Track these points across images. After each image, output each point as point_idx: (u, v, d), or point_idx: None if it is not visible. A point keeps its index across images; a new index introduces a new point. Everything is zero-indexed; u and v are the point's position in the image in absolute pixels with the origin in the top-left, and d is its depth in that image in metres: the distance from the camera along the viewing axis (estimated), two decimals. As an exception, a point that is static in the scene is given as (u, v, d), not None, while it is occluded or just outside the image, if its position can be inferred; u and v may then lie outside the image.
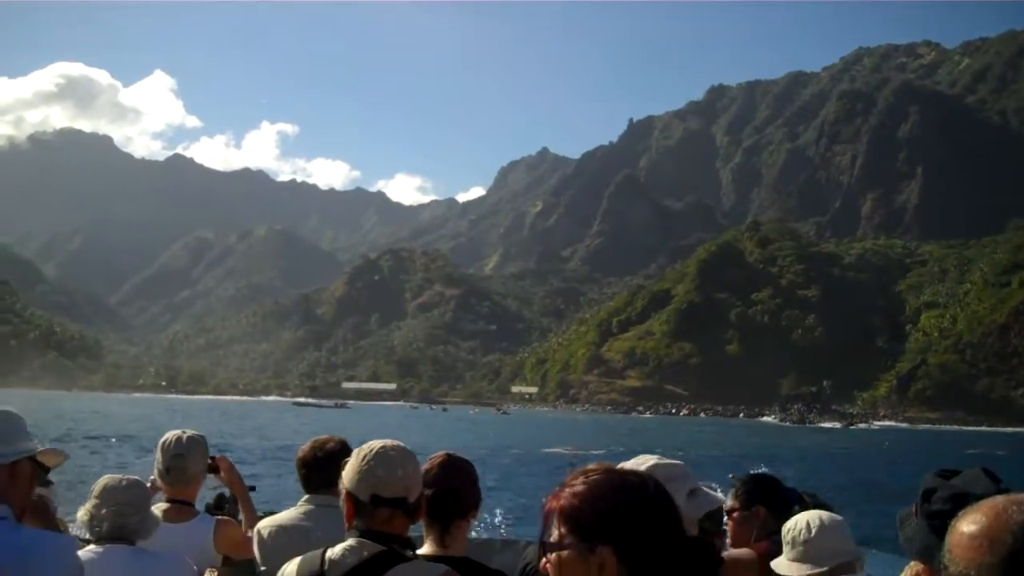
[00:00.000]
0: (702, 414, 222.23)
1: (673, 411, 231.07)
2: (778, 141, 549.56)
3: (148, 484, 4.76)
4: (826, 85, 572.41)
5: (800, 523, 4.02)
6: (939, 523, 2.28)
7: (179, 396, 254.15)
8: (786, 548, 3.96)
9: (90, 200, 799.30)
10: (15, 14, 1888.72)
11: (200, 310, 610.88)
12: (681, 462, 2.79)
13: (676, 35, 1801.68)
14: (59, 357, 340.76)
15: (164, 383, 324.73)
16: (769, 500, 4.67)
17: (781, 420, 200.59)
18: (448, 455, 3.74)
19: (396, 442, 3.23)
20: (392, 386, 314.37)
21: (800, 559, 3.91)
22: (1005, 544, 1.54)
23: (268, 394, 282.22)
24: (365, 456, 3.15)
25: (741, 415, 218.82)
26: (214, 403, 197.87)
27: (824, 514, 4.03)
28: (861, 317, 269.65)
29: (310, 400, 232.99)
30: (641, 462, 2.74)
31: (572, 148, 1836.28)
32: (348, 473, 3.14)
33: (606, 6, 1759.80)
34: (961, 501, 2.29)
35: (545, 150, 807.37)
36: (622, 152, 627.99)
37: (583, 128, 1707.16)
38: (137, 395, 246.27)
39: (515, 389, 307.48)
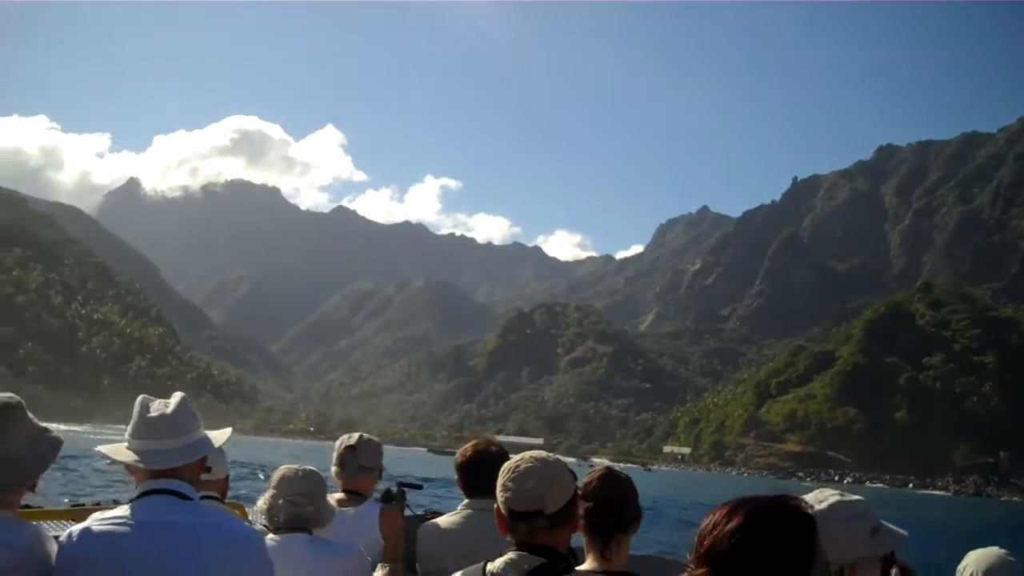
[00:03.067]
0: (867, 483, 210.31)
1: (836, 478, 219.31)
2: (951, 203, 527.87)
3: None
4: (1002, 147, 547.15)
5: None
6: None
7: (324, 442, 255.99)
8: None
9: (257, 249, 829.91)
10: (192, 66, 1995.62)
11: (357, 359, 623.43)
12: (862, 498, 2.65)
13: (843, 92, 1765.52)
14: (214, 400, 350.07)
15: (312, 428, 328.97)
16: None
17: (955, 493, 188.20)
18: (608, 468, 3.66)
19: (540, 453, 3.22)
20: (539, 440, 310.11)
21: None
22: None
23: (415, 444, 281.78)
24: (504, 471, 3.17)
25: (911, 485, 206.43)
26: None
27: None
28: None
29: (445, 449, 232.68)
30: (821, 498, 2.61)
31: (733, 207, 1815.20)
32: (497, 488, 3.18)
33: (770, 62, 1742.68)
34: None
35: (705, 208, 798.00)
36: (784, 211, 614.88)
37: (744, 186, 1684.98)
38: (285, 440, 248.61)
39: (667, 449, 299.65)
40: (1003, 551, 3.48)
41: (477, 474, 4.51)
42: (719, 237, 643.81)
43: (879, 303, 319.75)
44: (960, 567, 3.46)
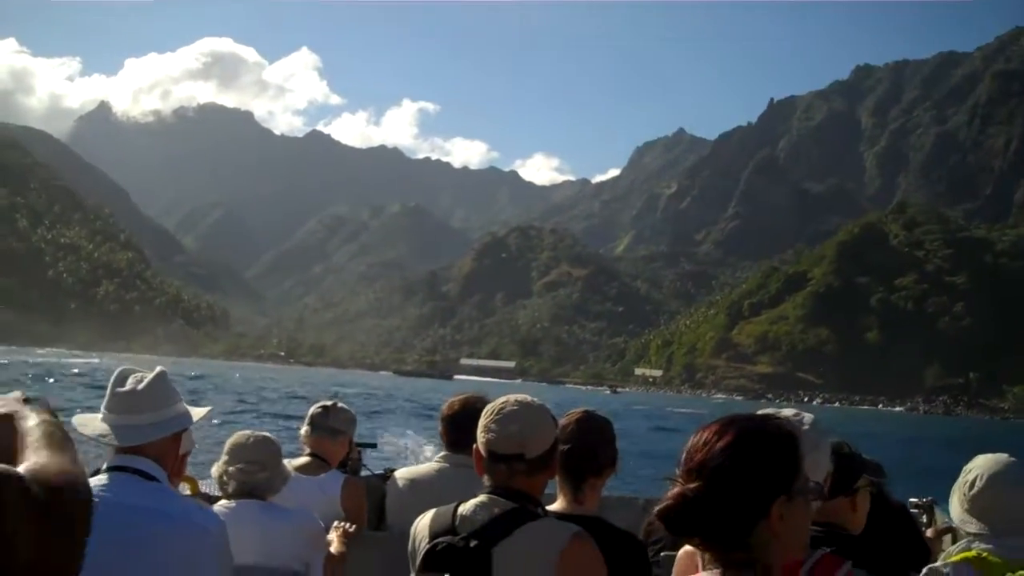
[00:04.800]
0: (837, 404, 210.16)
1: (806, 400, 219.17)
2: (927, 124, 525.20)
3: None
4: (979, 66, 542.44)
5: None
6: None
7: (294, 367, 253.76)
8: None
9: (230, 174, 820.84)
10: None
11: (332, 285, 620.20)
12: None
13: (820, 13, 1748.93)
14: (184, 325, 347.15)
15: (283, 353, 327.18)
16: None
17: (925, 413, 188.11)
18: (586, 411, 3.67)
19: (524, 397, 3.18)
20: (511, 364, 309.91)
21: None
22: None
23: (386, 368, 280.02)
24: (486, 412, 3.13)
25: (880, 406, 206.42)
26: (318, 373, 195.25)
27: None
28: (1012, 306, 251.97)
29: (411, 371, 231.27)
30: (794, 417, 2.57)
31: (709, 129, 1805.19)
32: (478, 429, 3.14)
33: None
34: None
35: (681, 131, 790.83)
36: (761, 133, 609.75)
37: (721, 109, 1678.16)
38: (254, 364, 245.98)
39: (638, 371, 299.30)
40: (1011, 458, 3.49)
41: (461, 428, 4.32)
42: (695, 160, 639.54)
43: (853, 224, 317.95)
44: (966, 469, 3.52)
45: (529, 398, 3.17)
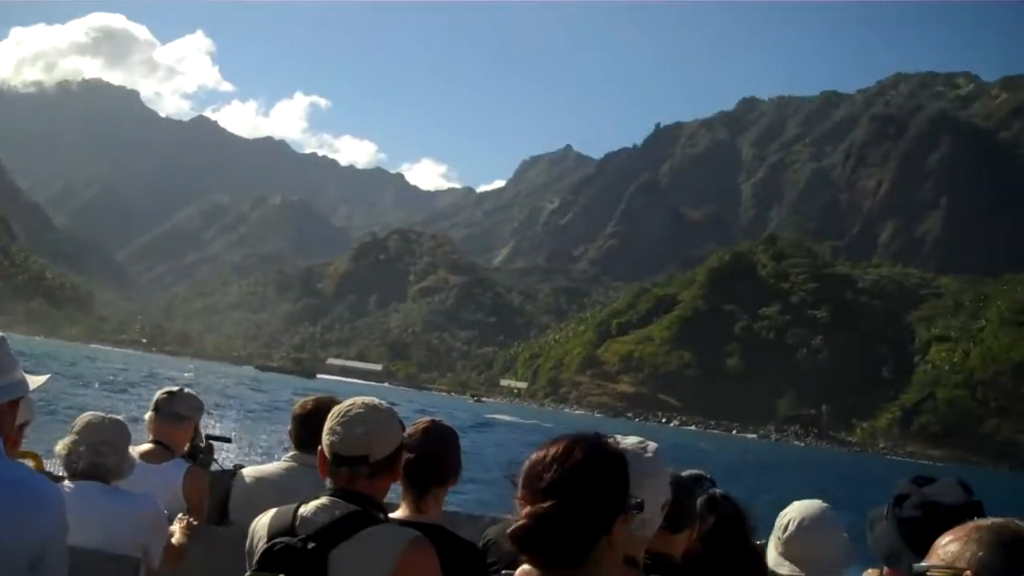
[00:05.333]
0: (693, 427, 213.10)
1: (664, 420, 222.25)
2: (804, 160, 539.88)
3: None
4: (859, 108, 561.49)
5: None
6: (908, 529, 2.32)
7: (156, 355, 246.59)
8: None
9: (110, 153, 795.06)
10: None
11: (205, 274, 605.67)
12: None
13: (711, 43, 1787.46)
14: (45, 304, 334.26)
15: (145, 340, 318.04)
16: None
17: (776, 441, 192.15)
18: (433, 421, 3.67)
19: (372, 400, 3.19)
20: (378, 367, 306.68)
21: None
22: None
23: (250, 363, 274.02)
24: (333, 414, 3.12)
25: (734, 431, 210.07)
26: (176, 363, 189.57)
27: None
28: (869, 344, 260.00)
29: (275, 367, 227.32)
30: (638, 443, 2.60)
31: (596, 148, 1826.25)
32: (323, 431, 3.12)
33: (642, 8, 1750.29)
34: (932, 510, 2.34)
35: (569, 147, 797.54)
36: (645, 156, 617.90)
37: (609, 129, 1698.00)
38: (115, 349, 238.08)
39: (504, 382, 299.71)
40: (824, 504, 3.61)
41: (312, 428, 4.06)
42: (580, 177, 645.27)
43: (725, 251, 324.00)
44: (781, 514, 3.59)
45: (377, 401, 3.16)
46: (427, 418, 3.65)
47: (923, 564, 1.77)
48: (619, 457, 2.10)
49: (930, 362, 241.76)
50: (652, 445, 2.57)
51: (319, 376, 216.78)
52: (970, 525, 1.82)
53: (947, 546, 1.75)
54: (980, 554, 1.72)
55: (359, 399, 3.15)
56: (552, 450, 2.04)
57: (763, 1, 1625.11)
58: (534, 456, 2.08)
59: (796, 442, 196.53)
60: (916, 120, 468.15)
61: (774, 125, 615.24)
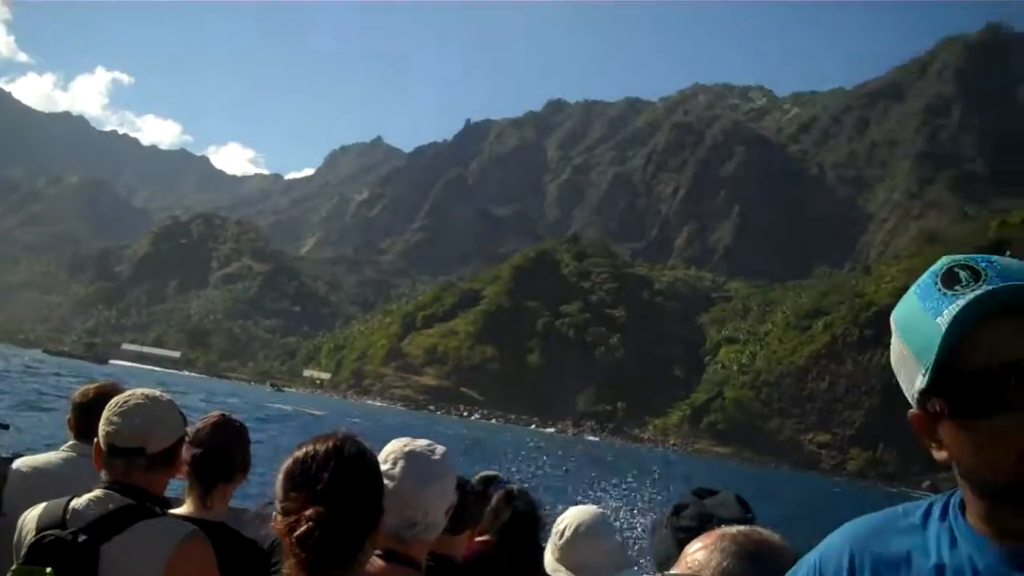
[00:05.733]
0: (494, 420, 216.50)
1: (466, 414, 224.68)
2: (607, 163, 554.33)
3: None
4: (660, 115, 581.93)
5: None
6: (683, 537, 2.30)
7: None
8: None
9: None
10: None
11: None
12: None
13: (522, 44, 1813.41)
14: None
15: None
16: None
17: (572, 435, 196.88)
18: (223, 415, 3.59)
19: (153, 391, 3.10)
20: (176, 354, 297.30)
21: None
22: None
23: (39, 345, 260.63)
24: (111, 405, 3.02)
25: (533, 425, 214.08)
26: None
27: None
28: (663, 343, 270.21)
29: (65, 351, 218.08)
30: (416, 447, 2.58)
31: (408, 141, 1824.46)
32: (100, 422, 3.01)
33: (456, 5, 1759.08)
34: (705, 521, 2.36)
35: (379, 139, 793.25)
36: (455, 152, 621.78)
37: (420, 123, 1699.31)
38: None
39: (307, 373, 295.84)
40: (600, 510, 3.68)
41: (93, 417, 3.65)
42: (389, 169, 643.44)
43: (530, 249, 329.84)
44: (558, 520, 3.64)
45: (157, 392, 3.09)
46: (217, 412, 3.57)
47: (671, 572, 1.79)
48: (373, 460, 2.10)
49: (720, 363, 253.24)
50: (440, 448, 2.57)
51: (112, 362, 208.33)
52: (716, 533, 1.88)
53: (695, 554, 1.80)
54: (724, 563, 1.76)
55: (139, 390, 3.07)
56: (323, 448, 2.03)
57: (572, 4, 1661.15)
58: (300, 454, 2.05)
59: (591, 437, 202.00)
60: (713, 130, 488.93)
61: (579, 128, 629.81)
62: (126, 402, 2.97)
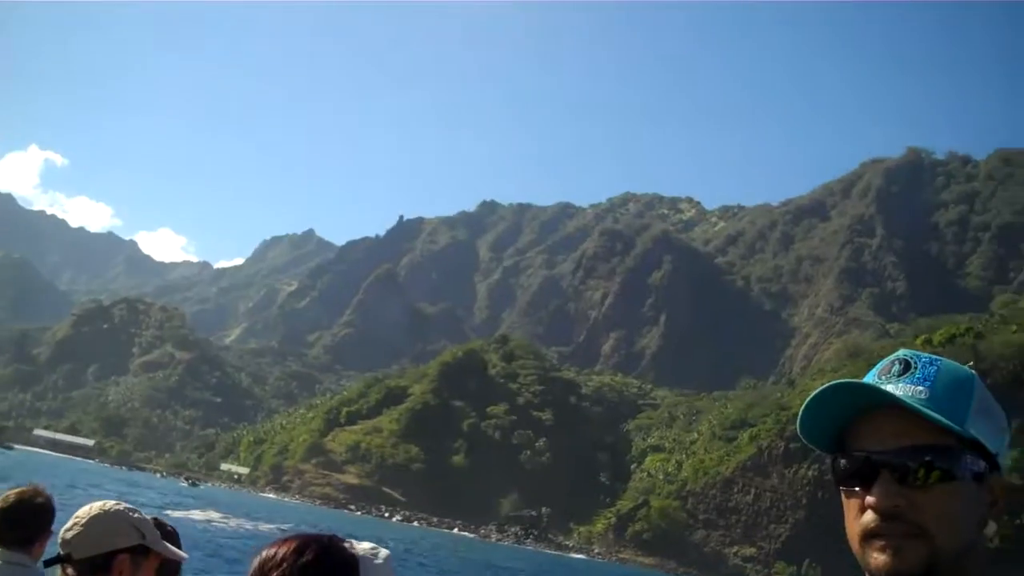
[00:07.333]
0: (416, 523, 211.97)
1: (386, 515, 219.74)
2: (537, 266, 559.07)
3: None
4: (591, 221, 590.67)
5: None
6: None
7: None
8: None
9: None
10: None
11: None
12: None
13: (456, 144, 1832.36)
14: None
15: None
16: None
17: (497, 541, 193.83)
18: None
19: (106, 503, 3.15)
20: (89, 442, 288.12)
21: None
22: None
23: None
24: (75, 516, 3.03)
25: (456, 529, 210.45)
26: None
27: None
28: (589, 449, 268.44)
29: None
30: (370, 548, 2.55)
31: (340, 235, 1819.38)
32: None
33: (390, 103, 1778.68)
34: None
35: (312, 231, 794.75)
36: (387, 247, 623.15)
37: (353, 217, 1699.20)
38: None
39: (224, 466, 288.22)
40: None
41: (14, 523, 3.86)
42: (320, 262, 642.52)
43: (458, 348, 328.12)
44: None
45: (111, 504, 3.09)
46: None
47: None
48: (352, 561, 2.12)
49: (646, 471, 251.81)
50: (383, 552, 2.57)
51: (17, 447, 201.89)
52: None
53: None
54: None
55: (96, 503, 3.04)
56: (282, 551, 2.03)
57: (508, 107, 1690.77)
58: (265, 555, 2.06)
59: (514, 543, 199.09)
60: (642, 238, 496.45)
61: (512, 230, 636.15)
62: (83, 515, 3.02)
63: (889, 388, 1.99)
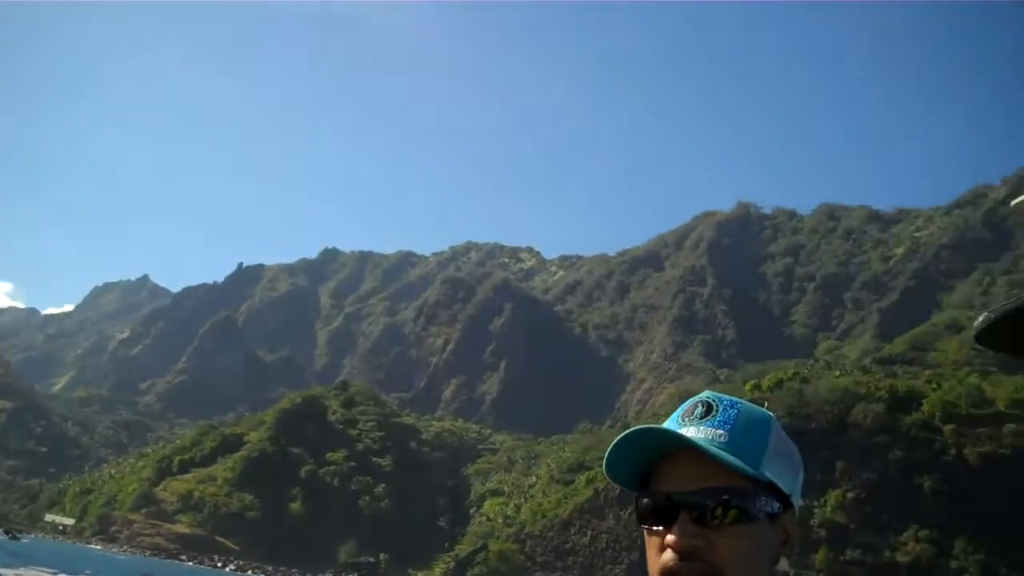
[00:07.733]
0: (250, 572, 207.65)
1: (220, 564, 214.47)
2: (379, 313, 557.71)
3: None
4: (433, 269, 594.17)
5: None
6: None
7: None
8: None
9: None
10: None
11: None
12: None
13: (299, 191, 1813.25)
14: None
15: None
16: None
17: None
18: None
19: None
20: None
21: None
22: None
23: None
24: None
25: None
26: None
27: None
28: (428, 494, 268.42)
29: None
30: None
31: (176, 281, 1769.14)
32: None
33: (231, 150, 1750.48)
34: None
35: (146, 277, 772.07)
36: (225, 294, 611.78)
37: (190, 264, 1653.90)
38: None
39: (49, 517, 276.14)
40: None
41: None
42: (154, 308, 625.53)
43: (297, 395, 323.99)
44: None
45: None
46: None
47: None
48: None
49: (485, 515, 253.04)
50: None
51: None
52: None
53: None
54: None
55: None
56: None
57: (349, 156, 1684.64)
58: None
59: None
60: (483, 286, 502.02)
61: (353, 277, 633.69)
62: None
63: (691, 431, 2.23)
